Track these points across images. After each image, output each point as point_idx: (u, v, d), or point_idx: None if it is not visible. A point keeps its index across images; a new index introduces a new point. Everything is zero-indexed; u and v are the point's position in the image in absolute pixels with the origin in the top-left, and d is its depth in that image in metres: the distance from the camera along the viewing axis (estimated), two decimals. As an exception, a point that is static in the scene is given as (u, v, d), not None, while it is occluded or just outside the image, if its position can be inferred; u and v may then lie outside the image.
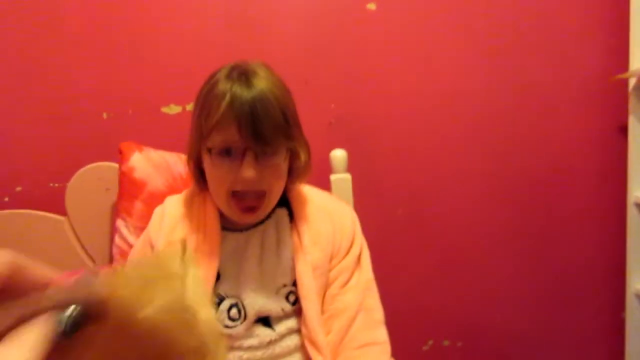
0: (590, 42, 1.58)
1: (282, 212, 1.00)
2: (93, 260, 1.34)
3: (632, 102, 1.50)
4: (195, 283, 0.40)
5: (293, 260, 0.95)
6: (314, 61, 1.47)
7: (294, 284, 0.94)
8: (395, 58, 1.52)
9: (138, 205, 1.22)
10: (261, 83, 0.83)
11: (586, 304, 1.70)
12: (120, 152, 1.26)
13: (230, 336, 0.92)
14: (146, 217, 1.22)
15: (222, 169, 0.85)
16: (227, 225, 0.95)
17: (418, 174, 1.57)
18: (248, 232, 0.96)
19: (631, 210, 1.54)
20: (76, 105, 1.38)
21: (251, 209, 0.89)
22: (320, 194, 1.06)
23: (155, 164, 1.26)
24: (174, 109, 1.42)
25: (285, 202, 1.01)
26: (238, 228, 0.96)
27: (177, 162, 1.28)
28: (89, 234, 1.33)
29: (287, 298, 0.94)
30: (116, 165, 1.32)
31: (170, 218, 0.97)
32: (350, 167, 1.36)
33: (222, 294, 0.92)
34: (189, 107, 1.42)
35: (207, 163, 0.88)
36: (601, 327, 1.72)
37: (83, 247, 1.34)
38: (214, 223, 0.94)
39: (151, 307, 0.37)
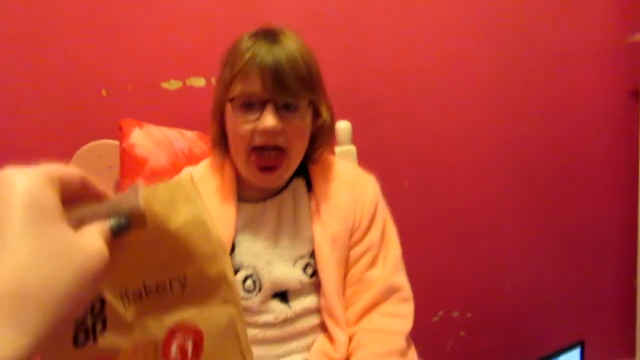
0: (603, 3, 1.52)
1: (300, 182, 0.97)
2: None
3: (644, 64, 1.45)
4: (204, 205, 0.49)
5: (311, 231, 0.92)
6: (317, 31, 1.44)
7: (312, 255, 0.92)
8: (400, 27, 1.47)
9: (140, 183, 1.21)
10: (287, 40, 0.84)
11: (597, 272, 1.68)
12: (120, 129, 1.24)
13: (245, 310, 0.89)
14: (149, 194, 1.21)
15: (243, 121, 0.84)
16: (243, 196, 0.94)
17: (425, 145, 1.54)
18: (265, 202, 0.94)
19: (644, 176, 1.51)
20: (75, 83, 1.36)
21: (270, 169, 0.87)
22: (341, 163, 1.02)
23: (157, 140, 1.24)
24: (174, 85, 1.40)
25: (303, 172, 0.98)
26: (254, 199, 0.93)
27: (179, 138, 1.26)
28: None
29: (304, 270, 0.92)
30: (117, 142, 1.31)
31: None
32: (355, 139, 1.33)
33: (237, 265, 0.90)
34: (189, 82, 1.40)
35: (229, 117, 0.87)
36: (613, 294, 1.70)
37: (88, 226, 1.33)
38: (230, 193, 0.92)
39: (178, 220, 0.46)
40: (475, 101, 1.54)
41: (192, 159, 1.20)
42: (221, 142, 0.94)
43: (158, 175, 1.21)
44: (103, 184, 0.44)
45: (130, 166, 1.22)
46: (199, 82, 1.40)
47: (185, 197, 0.48)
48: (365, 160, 1.36)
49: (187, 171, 1.01)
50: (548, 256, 1.65)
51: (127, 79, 1.38)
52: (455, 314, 1.63)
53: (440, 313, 1.63)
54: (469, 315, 1.64)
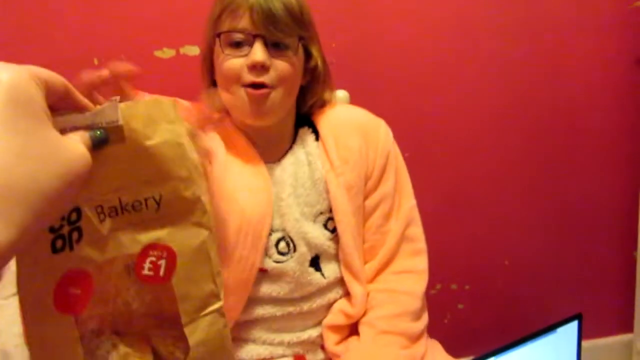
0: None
1: (306, 131, 0.94)
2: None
3: (650, 32, 1.42)
4: (185, 130, 0.51)
5: (326, 183, 0.89)
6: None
7: (331, 210, 0.90)
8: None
9: (134, 152, 1.18)
10: None
11: (597, 244, 1.67)
12: (113, 98, 1.21)
13: (283, 274, 0.87)
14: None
15: (232, 57, 0.81)
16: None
17: (425, 115, 1.51)
18: (280, 162, 0.91)
19: (646, 146, 1.49)
20: (66, 51, 1.32)
21: (262, 104, 0.83)
22: (350, 108, 0.99)
23: (150, 109, 1.21)
24: (167, 53, 1.36)
25: (307, 122, 0.95)
26: (271, 159, 0.90)
27: (173, 107, 1.23)
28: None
29: (325, 226, 0.90)
30: (110, 112, 1.28)
31: (220, 154, 0.88)
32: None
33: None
34: (183, 50, 1.36)
35: (217, 55, 0.84)
36: (613, 266, 1.70)
37: (82, 197, 1.31)
38: (255, 158, 0.88)
39: (156, 139, 0.48)
40: (478, 69, 1.51)
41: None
42: (211, 85, 0.91)
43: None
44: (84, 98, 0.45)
45: (123, 136, 1.19)
46: (193, 50, 1.36)
47: (164, 117, 0.49)
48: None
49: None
50: (547, 228, 1.64)
51: (119, 47, 1.34)
52: (454, 286, 1.63)
53: (439, 286, 1.62)
54: (467, 287, 1.64)
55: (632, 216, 1.59)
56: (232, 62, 0.81)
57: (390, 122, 1.48)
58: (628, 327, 1.69)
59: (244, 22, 0.80)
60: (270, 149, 0.91)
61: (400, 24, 1.45)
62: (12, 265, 1.18)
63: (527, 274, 1.66)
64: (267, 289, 0.87)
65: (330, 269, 0.90)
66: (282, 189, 0.88)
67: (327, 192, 0.89)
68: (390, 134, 0.97)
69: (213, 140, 0.90)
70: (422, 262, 0.95)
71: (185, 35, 1.36)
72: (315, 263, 0.89)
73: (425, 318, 0.93)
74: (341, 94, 1.25)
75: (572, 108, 1.57)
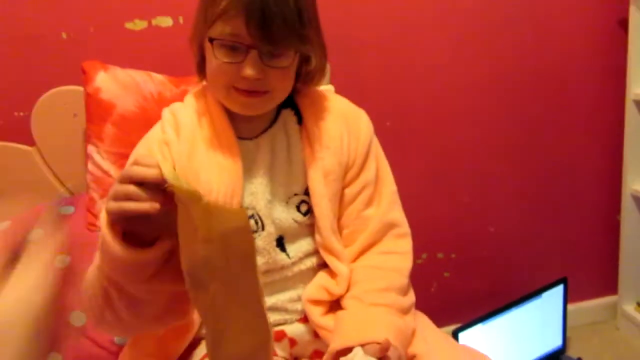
0: None
1: (288, 113, 0.92)
2: (68, 190, 1.28)
3: (632, -7, 1.39)
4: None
5: (304, 165, 0.88)
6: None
7: (306, 192, 0.89)
8: None
9: (109, 129, 1.14)
10: None
11: (582, 206, 1.68)
12: (84, 73, 1.16)
13: None
14: (119, 142, 1.14)
15: (224, 64, 0.78)
16: (235, 133, 0.88)
17: (406, 84, 1.49)
18: (257, 139, 0.89)
19: (630, 108, 1.48)
20: (31, 26, 1.26)
21: (252, 105, 0.83)
22: (332, 96, 0.97)
23: (123, 83, 1.16)
24: (139, 25, 1.31)
25: (291, 104, 0.92)
26: (247, 135, 0.89)
27: (147, 81, 1.19)
28: (60, 162, 1.26)
29: (298, 208, 0.89)
30: (81, 88, 1.23)
31: (187, 130, 0.87)
32: (333, 79, 1.28)
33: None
34: (155, 21, 1.31)
35: (208, 53, 0.81)
36: (596, 230, 1.71)
37: (56, 176, 1.27)
38: (228, 133, 0.86)
39: (202, 201, 0.64)
40: (459, 36, 1.48)
41: (163, 103, 1.13)
42: (202, 71, 0.88)
43: (127, 121, 1.14)
44: None
45: (96, 112, 1.15)
46: (166, 21, 1.32)
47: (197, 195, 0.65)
48: (345, 100, 1.31)
49: (179, 111, 0.91)
50: (531, 194, 1.64)
51: (88, 19, 1.29)
52: (440, 255, 1.63)
53: (425, 255, 1.62)
54: (453, 256, 1.64)
55: (615, 180, 1.60)
56: (224, 68, 0.79)
57: (371, 91, 1.47)
58: (612, 289, 1.71)
59: (239, 30, 0.76)
60: (248, 125, 0.89)
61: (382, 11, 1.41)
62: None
63: (512, 240, 1.67)
64: None
65: (294, 249, 0.90)
66: (256, 167, 0.87)
67: (304, 175, 0.89)
68: (371, 125, 0.96)
69: (184, 113, 0.89)
70: (406, 245, 0.93)
71: (157, 6, 1.31)
72: (280, 244, 0.89)
73: (412, 295, 0.92)
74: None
75: (554, 74, 1.55)
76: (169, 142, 0.86)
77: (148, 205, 0.62)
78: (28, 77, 1.28)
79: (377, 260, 0.90)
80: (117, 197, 0.64)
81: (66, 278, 1.04)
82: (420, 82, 1.50)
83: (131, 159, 0.90)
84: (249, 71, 0.77)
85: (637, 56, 1.43)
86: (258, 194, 0.87)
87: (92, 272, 0.76)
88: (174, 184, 0.61)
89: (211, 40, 0.78)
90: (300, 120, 0.92)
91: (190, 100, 0.93)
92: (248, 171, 0.87)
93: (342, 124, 0.92)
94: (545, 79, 1.55)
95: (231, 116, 0.88)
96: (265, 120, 0.91)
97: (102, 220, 0.68)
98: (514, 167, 1.61)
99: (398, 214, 0.94)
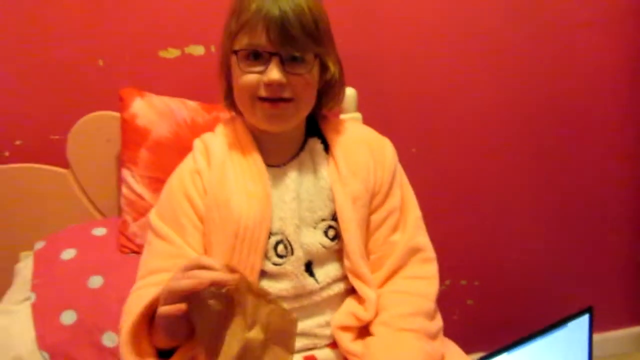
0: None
1: (315, 141, 0.96)
2: (100, 212, 1.31)
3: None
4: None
5: (331, 191, 0.91)
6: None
7: (333, 217, 0.91)
8: None
9: (143, 154, 1.17)
10: None
11: (607, 235, 1.67)
12: (121, 99, 1.20)
13: (283, 275, 0.89)
14: (152, 166, 1.17)
15: (248, 73, 0.83)
16: (264, 161, 0.92)
17: (432, 111, 1.51)
18: (285, 166, 0.92)
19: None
20: (69, 53, 1.31)
21: (277, 116, 0.87)
22: (357, 125, 1.02)
23: (158, 110, 1.20)
24: (172, 53, 1.35)
25: (317, 132, 0.97)
26: (275, 162, 0.92)
27: (181, 108, 1.22)
28: (94, 185, 1.29)
29: (326, 233, 0.91)
30: (116, 114, 1.26)
31: (217, 158, 0.91)
32: (361, 106, 1.30)
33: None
34: (188, 50, 1.35)
35: (234, 68, 0.86)
36: (623, 259, 1.69)
37: (89, 199, 1.30)
38: (257, 160, 0.91)
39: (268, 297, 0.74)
40: (482, 68, 1.50)
41: (195, 129, 1.17)
42: (231, 99, 0.93)
43: (161, 146, 1.17)
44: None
45: (132, 137, 1.18)
46: (198, 50, 1.35)
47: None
48: (372, 127, 1.33)
49: (198, 143, 0.96)
50: (556, 222, 1.64)
51: (124, 47, 1.33)
52: (463, 282, 1.63)
53: (448, 282, 1.62)
54: (476, 283, 1.63)
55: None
56: (249, 78, 0.84)
57: (397, 118, 1.49)
58: (638, 320, 1.68)
59: (260, 39, 0.81)
60: (276, 152, 0.93)
61: (409, 23, 1.44)
62: (22, 270, 1.17)
63: (536, 268, 1.66)
64: (270, 288, 0.88)
65: (322, 274, 0.91)
66: (285, 193, 0.90)
67: (332, 200, 0.91)
68: (395, 153, 0.99)
69: (214, 142, 0.93)
70: (431, 269, 0.95)
71: (190, 35, 1.35)
72: (308, 269, 0.90)
73: (439, 319, 0.92)
74: (348, 91, 1.25)
75: (580, 103, 1.56)
76: (200, 171, 0.91)
77: (228, 277, 0.69)
78: (64, 101, 1.32)
79: (404, 285, 0.91)
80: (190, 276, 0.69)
81: (99, 299, 1.06)
82: (445, 109, 1.52)
83: (166, 188, 0.95)
84: (272, 75, 0.81)
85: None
86: (287, 219, 0.89)
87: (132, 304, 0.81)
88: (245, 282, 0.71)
89: (235, 52, 0.84)
90: (326, 147, 0.95)
91: (220, 130, 0.97)
92: (277, 197, 0.89)
93: (367, 152, 0.95)
94: (571, 109, 1.56)
95: (260, 144, 0.92)
96: (293, 148, 0.94)
97: None
98: (539, 195, 1.61)
99: (423, 239, 0.95)
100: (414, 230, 0.94)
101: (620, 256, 1.70)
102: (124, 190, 1.19)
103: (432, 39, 1.47)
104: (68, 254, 1.14)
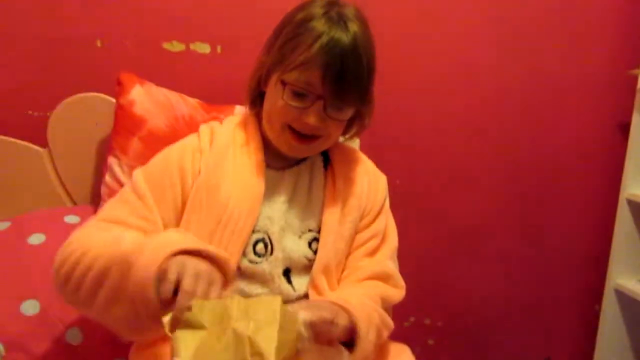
0: (604, 35, 1.57)
1: (317, 157, 0.97)
2: (71, 199, 1.22)
3: (638, 99, 1.50)
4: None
5: (322, 203, 0.93)
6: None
7: (319, 231, 0.91)
8: (403, 27, 1.45)
9: (135, 144, 1.11)
10: (356, 30, 0.82)
11: (564, 291, 1.72)
12: (119, 84, 1.14)
13: (256, 276, 0.87)
14: (143, 157, 1.10)
15: (289, 106, 0.84)
16: (265, 161, 0.92)
17: (418, 145, 1.52)
18: (283, 171, 0.93)
19: (622, 206, 1.56)
20: (66, 28, 1.24)
21: (303, 149, 0.90)
22: (360, 153, 1.05)
23: (157, 101, 1.15)
24: (176, 47, 1.30)
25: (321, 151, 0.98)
26: (274, 166, 0.93)
27: (180, 103, 1.18)
28: (70, 169, 1.21)
29: (310, 245, 0.91)
30: (109, 97, 1.20)
31: (220, 144, 0.90)
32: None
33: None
34: (193, 46, 1.31)
35: (274, 93, 0.86)
36: (576, 314, 1.75)
37: (62, 182, 1.21)
38: (259, 158, 0.90)
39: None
40: (469, 114, 1.54)
41: (193, 127, 1.11)
42: (255, 100, 0.93)
43: (155, 138, 1.12)
44: None
45: (125, 125, 1.12)
46: (204, 48, 1.31)
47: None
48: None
49: (204, 127, 0.95)
50: (521, 273, 1.67)
51: (126, 32, 1.27)
52: (427, 321, 1.62)
53: (412, 319, 1.61)
54: (439, 323, 1.63)
55: (601, 272, 1.66)
56: (288, 109, 0.84)
57: (383, 149, 1.49)
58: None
59: (314, 80, 0.81)
60: (278, 158, 0.94)
61: (399, 58, 1.46)
62: None
63: (498, 314, 1.68)
64: (245, 289, 0.87)
65: (300, 283, 0.91)
66: (277, 195, 0.91)
67: (321, 214, 0.92)
68: (387, 187, 1.03)
69: (221, 131, 0.93)
70: (398, 293, 0.96)
71: (197, 31, 1.31)
72: (286, 275, 0.90)
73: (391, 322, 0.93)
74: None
75: (553, 169, 1.63)
76: (202, 151, 0.90)
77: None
78: (53, 77, 1.24)
79: (367, 283, 0.92)
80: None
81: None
82: (432, 145, 1.53)
83: (162, 155, 0.92)
84: (312, 119, 0.83)
85: (634, 158, 1.52)
86: (274, 219, 0.89)
87: (99, 253, 0.73)
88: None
89: (284, 83, 0.83)
90: (325, 165, 0.98)
91: (229, 123, 0.96)
92: (268, 196, 0.90)
93: (364, 176, 0.98)
94: (546, 168, 1.62)
95: (265, 147, 0.93)
96: (295, 157, 0.95)
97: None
98: (507, 246, 1.64)
99: (392, 266, 0.98)
100: (385, 256, 0.96)
101: (575, 312, 1.75)
102: (107, 178, 1.12)
103: (425, 77, 1.49)
104: (36, 238, 1.05)
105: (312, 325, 0.67)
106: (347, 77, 0.81)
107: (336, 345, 0.74)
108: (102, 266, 0.71)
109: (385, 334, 0.89)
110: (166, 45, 1.30)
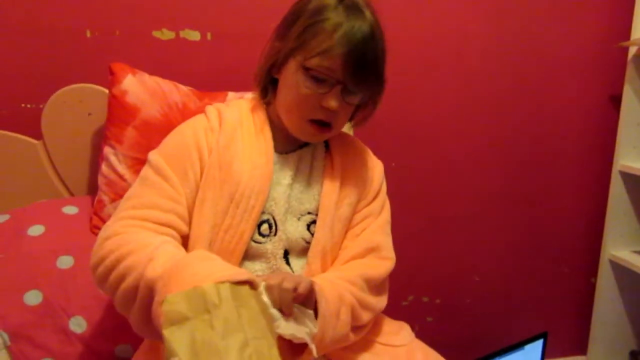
0: (595, 8, 1.57)
1: (319, 142, 0.99)
2: (68, 190, 1.23)
3: (629, 71, 1.51)
4: None
5: (321, 186, 0.94)
6: None
7: (318, 213, 0.93)
8: (401, 20, 1.45)
9: (130, 133, 1.12)
10: (371, 18, 0.85)
11: (560, 265, 1.74)
12: (111, 73, 1.14)
13: (260, 255, 0.89)
14: (138, 146, 1.12)
15: (309, 91, 0.85)
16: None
17: (412, 133, 1.53)
18: (287, 155, 0.95)
19: (615, 178, 1.58)
20: (56, 19, 1.23)
21: (318, 137, 0.93)
22: (359, 142, 1.06)
23: (150, 89, 1.15)
24: (166, 35, 1.30)
25: None
26: (278, 149, 0.94)
27: (173, 91, 1.18)
28: (65, 160, 1.22)
29: (308, 227, 0.92)
30: (100, 88, 1.20)
31: (229, 125, 0.91)
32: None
33: None
34: (183, 34, 1.31)
35: (293, 79, 0.87)
36: (572, 289, 1.77)
37: (58, 174, 1.22)
38: (267, 138, 0.93)
39: None
40: (462, 92, 1.54)
41: (187, 114, 1.12)
42: (266, 87, 0.94)
43: (150, 127, 1.12)
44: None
45: (119, 114, 1.12)
46: (194, 35, 1.31)
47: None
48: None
49: (210, 108, 0.96)
50: (517, 250, 1.70)
51: (116, 21, 1.27)
52: (425, 299, 1.65)
53: (411, 297, 1.63)
54: (438, 301, 1.66)
55: (596, 244, 1.68)
56: (307, 98, 0.86)
57: (383, 135, 1.49)
58: (583, 350, 1.76)
59: (335, 66, 0.83)
60: (283, 141, 0.95)
61: (398, 42, 1.45)
62: None
63: (495, 291, 1.71)
64: (248, 267, 0.89)
65: (298, 265, 0.92)
66: (282, 177, 0.92)
67: (320, 195, 0.94)
68: (383, 173, 1.05)
69: (228, 112, 0.94)
70: (384, 266, 0.96)
71: (187, 18, 1.31)
72: (285, 257, 0.92)
73: (382, 299, 0.95)
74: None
75: (549, 141, 1.64)
76: (213, 129, 0.92)
77: None
78: (44, 69, 1.24)
79: (354, 263, 0.94)
80: None
81: (68, 281, 0.99)
82: (425, 130, 1.54)
83: (175, 135, 0.93)
84: (332, 102, 0.85)
85: (626, 130, 1.54)
86: (280, 201, 0.91)
87: (132, 264, 0.73)
88: None
89: (306, 69, 0.84)
90: (327, 150, 1.00)
91: (236, 105, 0.97)
92: (275, 178, 0.92)
93: (363, 161, 1.01)
94: (539, 144, 1.63)
95: (272, 130, 0.94)
96: (299, 141, 0.97)
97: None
98: (503, 224, 1.66)
99: (384, 239, 0.98)
100: (377, 229, 0.97)
101: (572, 287, 1.77)
102: (104, 168, 1.12)
103: (421, 64, 1.50)
104: (36, 230, 1.06)
105: (269, 288, 0.71)
106: (366, 64, 0.83)
107: (299, 307, 0.74)
108: (134, 280, 0.72)
109: (367, 315, 0.90)
110: (156, 34, 1.30)
